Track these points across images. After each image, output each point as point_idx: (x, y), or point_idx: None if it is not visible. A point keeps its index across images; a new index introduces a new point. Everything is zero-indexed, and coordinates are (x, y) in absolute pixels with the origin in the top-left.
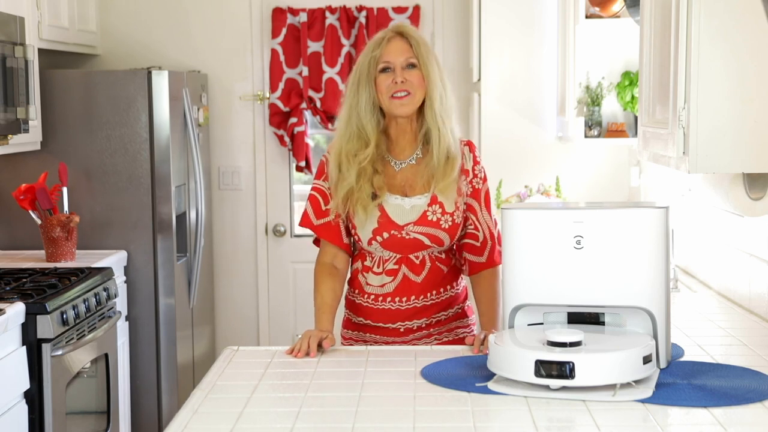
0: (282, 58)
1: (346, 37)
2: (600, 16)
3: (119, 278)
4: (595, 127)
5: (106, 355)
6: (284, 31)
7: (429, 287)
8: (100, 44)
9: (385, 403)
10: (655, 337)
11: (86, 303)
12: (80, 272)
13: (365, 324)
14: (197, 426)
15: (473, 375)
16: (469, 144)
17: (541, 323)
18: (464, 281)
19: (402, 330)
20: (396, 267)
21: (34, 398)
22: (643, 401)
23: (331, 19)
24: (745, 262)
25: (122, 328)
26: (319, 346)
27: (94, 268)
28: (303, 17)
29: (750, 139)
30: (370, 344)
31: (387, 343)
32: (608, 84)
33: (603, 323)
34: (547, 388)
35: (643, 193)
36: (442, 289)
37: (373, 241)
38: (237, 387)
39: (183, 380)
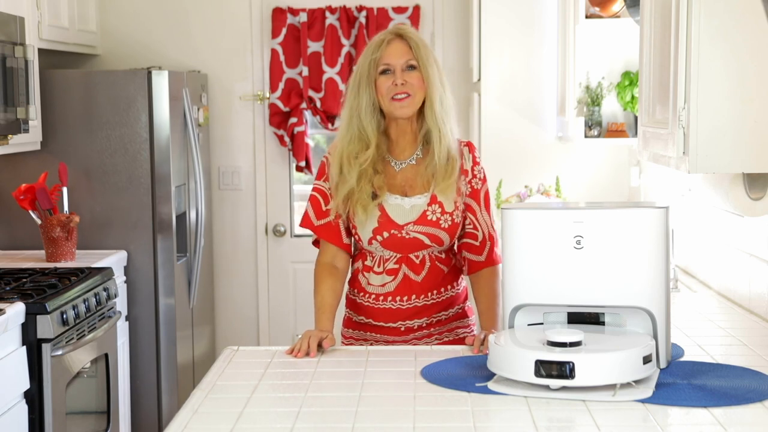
0: (282, 58)
1: (346, 37)
2: (600, 16)
3: (119, 278)
4: (595, 127)
5: (106, 355)
6: (284, 31)
7: (429, 287)
8: (100, 44)
9: (385, 403)
10: (655, 337)
11: (86, 303)
12: (80, 272)
13: (366, 323)
14: (197, 426)
15: (473, 375)
16: (469, 145)
17: (541, 323)
18: (464, 282)
19: (402, 329)
20: (396, 266)
21: (34, 398)
22: (643, 401)
23: (331, 19)
24: (745, 262)
25: (122, 328)
26: (319, 346)
27: (94, 268)
28: (303, 17)
29: (750, 139)
30: (371, 343)
31: (387, 342)
32: (608, 84)
33: (603, 323)
34: (547, 388)
35: (643, 193)
36: (442, 289)
37: (374, 241)
38: (237, 387)
39: (183, 380)
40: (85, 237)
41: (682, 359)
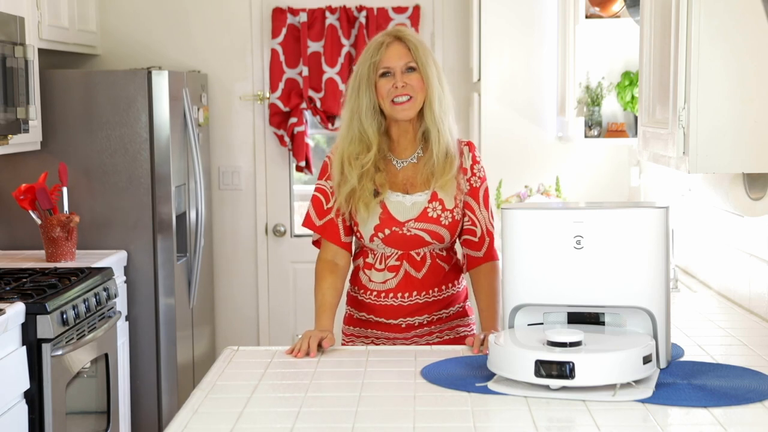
0: (282, 58)
1: (346, 37)
2: (600, 16)
3: (119, 278)
4: (595, 127)
5: (106, 355)
6: (284, 31)
7: (430, 284)
8: (100, 44)
9: (385, 403)
10: (655, 337)
11: (86, 303)
12: (80, 272)
13: (367, 320)
14: (197, 426)
15: (473, 375)
16: (469, 144)
17: (541, 323)
18: (465, 281)
19: (403, 326)
20: (398, 263)
21: (34, 398)
22: (643, 401)
23: (331, 19)
24: (745, 262)
25: (122, 328)
26: (319, 345)
27: (94, 268)
28: (303, 17)
29: (750, 139)
30: (372, 340)
31: (388, 339)
32: (608, 84)
33: (603, 323)
34: (547, 388)
35: (643, 193)
36: (443, 287)
37: (375, 238)
38: (237, 387)
39: (183, 380)
40: (85, 237)
41: (682, 359)
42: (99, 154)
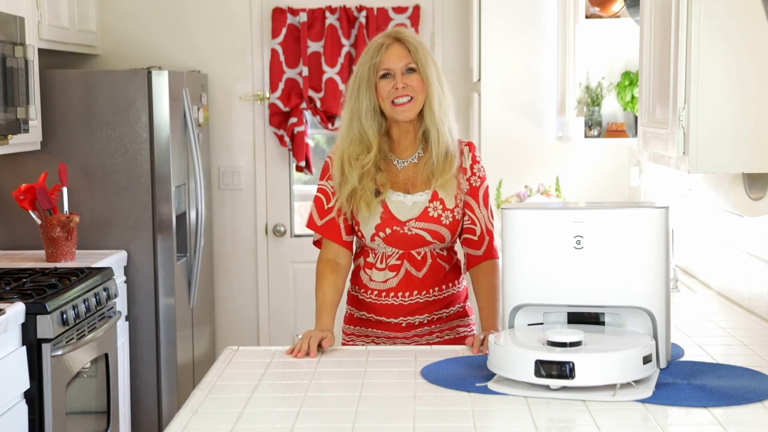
0: (282, 58)
1: (346, 37)
2: (600, 16)
3: (119, 278)
4: (595, 127)
5: (106, 355)
6: (284, 31)
7: (431, 283)
8: (100, 44)
9: (385, 403)
10: (655, 337)
11: (86, 303)
12: (80, 272)
13: (368, 318)
14: (197, 426)
15: (473, 375)
16: (470, 144)
17: (541, 323)
18: (465, 281)
19: (404, 325)
20: (398, 263)
21: (34, 398)
22: (643, 401)
23: (331, 19)
24: (745, 262)
25: (122, 328)
26: (319, 346)
27: (94, 268)
28: (303, 17)
29: (750, 139)
30: (372, 339)
31: (388, 338)
32: (608, 84)
33: (603, 323)
34: (547, 388)
35: (643, 193)
36: (444, 286)
37: (376, 237)
38: (237, 387)
39: (183, 380)
40: (85, 237)
41: (682, 359)
42: (99, 154)
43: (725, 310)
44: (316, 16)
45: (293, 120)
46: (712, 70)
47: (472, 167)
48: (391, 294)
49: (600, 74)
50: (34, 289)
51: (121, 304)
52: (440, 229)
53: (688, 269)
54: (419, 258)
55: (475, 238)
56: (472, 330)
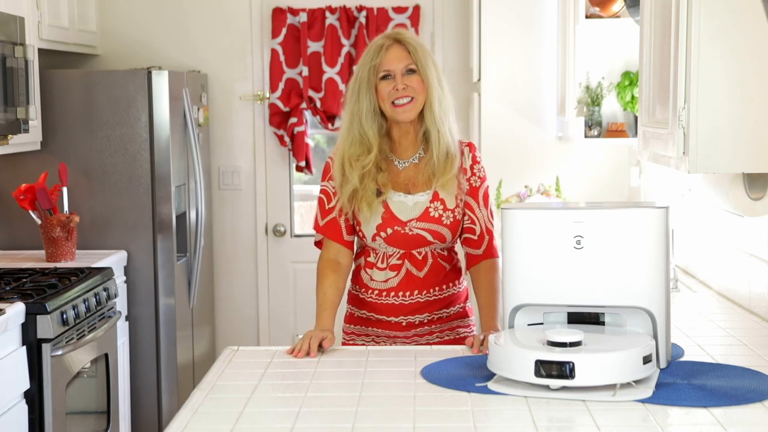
0: (282, 58)
1: (346, 37)
2: (600, 16)
3: (119, 278)
4: (595, 127)
5: (106, 355)
6: (284, 31)
7: (431, 283)
8: (100, 44)
9: (385, 403)
10: (655, 337)
11: (86, 303)
12: (80, 272)
13: (368, 317)
14: (197, 426)
15: (473, 375)
16: (470, 145)
17: (541, 323)
18: (466, 282)
19: (404, 324)
20: (399, 262)
21: (34, 398)
22: (643, 401)
23: (331, 19)
24: (745, 262)
25: (122, 328)
26: (320, 346)
27: (94, 268)
28: (303, 17)
29: (750, 139)
30: (372, 339)
31: (389, 337)
32: (608, 84)
33: (603, 323)
34: (547, 388)
35: (643, 193)
36: (444, 286)
37: (377, 237)
38: (237, 387)
39: (183, 380)
40: (85, 237)
41: (682, 359)
42: (99, 154)
43: (725, 310)
44: (316, 16)
45: (293, 120)
46: (712, 70)
47: (472, 167)
48: (392, 293)
49: (600, 74)
50: (34, 289)
51: (121, 304)
52: (441, 229)
53: (688, 269)
54: (420, 258)
55: (475, 238)
56: (473, 331)
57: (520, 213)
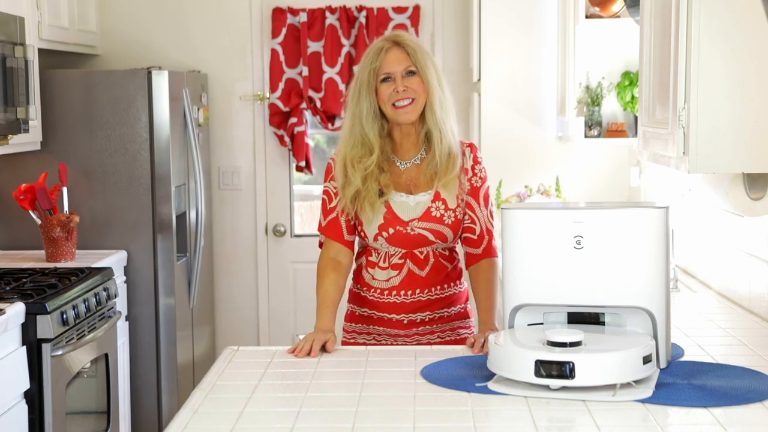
0: (282, 58)
1: (346, 37)
2: (600, 16)
3: (119, 278)
4: (595, 127)
5: (106, 355)
6: (284, 31)
7: (433, 282)
8: (100, 44)
9: (385, 403)
10: (655, 337)
11: (86, 303)
12: (80, 272)
13: (369, 315)
14: (197, 426)
15: (473, 375)
16: (471, 146)
17: (541, 323)
18: (466, 283)
19: (405, 322)
20: (401, 261)
21: (34, 398)
22: (643, 401)
23: (331, 19)
24: (745, 262)
25: (122, 328)
26: (323, 347)
27: (94, 268)
28: (303, 17)
29: (750, 139)
30: (373, 337)
31: (390, 336)
32: (608, 84)
33: (603, 323)
34: (547, 388)
35: (643, 193)
36: (445, 285)
37: (379, 237)
38: (237, 387)
39: (183, 380)
40: (85, 237)
41: (682, 359)
42: (99, 154)
43: (725, 310)
44: (316, 16)
45: (293, 120)
46: (712, 70)
47: (473, 168)
48: (394, 292)
49: (600, 74)
50: (34, 289)
51: (121, 304)
52: (442, 229)
53: (688, 269)
54: (422, 257)
55: (475, 237)
56: (473, 332)
57: (520, 213)
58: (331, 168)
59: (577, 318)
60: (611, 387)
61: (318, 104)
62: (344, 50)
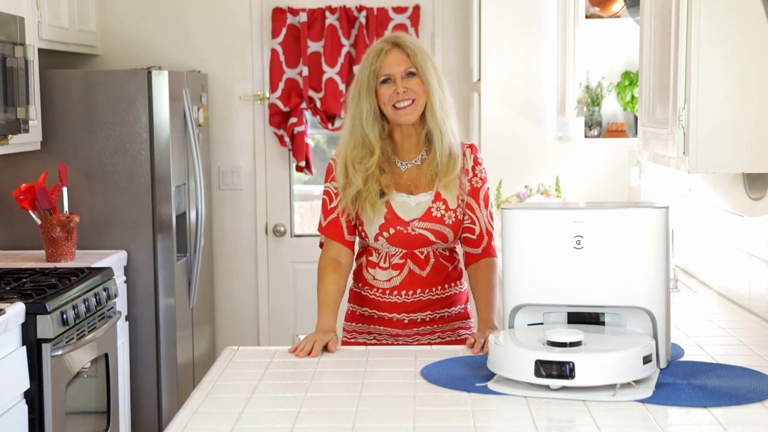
0: (282, 58)
1: (346, 37)
2: (600, 16)
3: (119, 278)
4: (595, 127)
5: (106, 355)
6: (284, 31)
7: (434, 282)
8: (100, 44)
9: (385, 403)
10: (655, 337)
11: (86, 303)
12: (80, 272)
13: (370, 315)
14: (197, 426)
15: (473, 375)
16: (472, 146)
17: (541, 323)
18: (466, 284)
19: (406, 321)
20: (402, 261)
21: (34, 398)
22: (643, 401)
23: (331, 19)
24: (745, 262)
25: (122, 328)
26: (325, 348)
27: (94, 268)
28: (303, 17)
29: (750, 139)
30: (374, 336)
31: (390, 335)
32: (608, 84)
33: (603, 323)
34: (547, 388)
35: (643, 193)
36: (446, 285)
37: (380, 237)
38: (237, 387)
39: (183, 380)
40: (85, 237)
41: (682, 359)
42: (99, 154)
43: (725, 310)
44: (316, 16)
45: (293, 120)
46: (712, 70)
47: (473, 168)
48: (395, 292)
49: (600, 74)
50: (34, 289)
51: (121, 304)
52: (443, 229)
53: (688, 269)
54: (422, 257)
55: (474, 237)
56: (473, 333)
57: (520, 213)
58: (331, 168)
59: (577, 318)
60: (611, 387)
61: (318, 104)
62: (344, 50)
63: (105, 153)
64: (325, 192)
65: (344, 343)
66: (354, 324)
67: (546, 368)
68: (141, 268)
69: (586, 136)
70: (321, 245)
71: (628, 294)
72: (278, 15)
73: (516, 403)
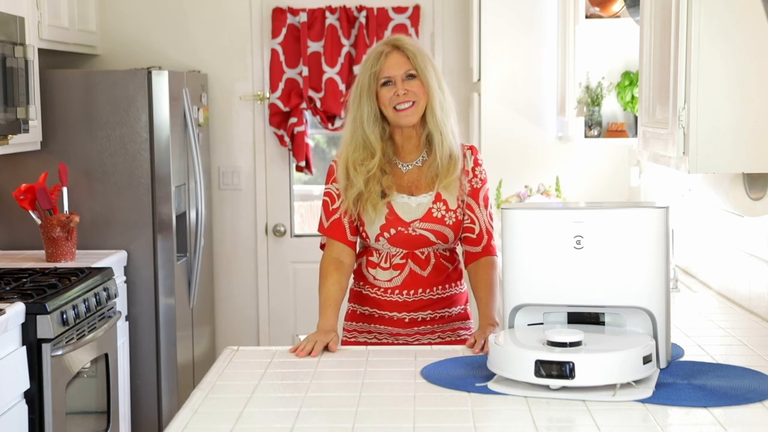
0: (282, 58)
1: (346, 37)
2: (600, 16)
3: (119, 278)
4: (595, 127)
5: (106, 355)
6: (284, 31)
7: (435, 282)
8: (100, 44)
9: (385, 403)
10: (655, 337)
11: (86, 303)
12: (80, 272)
13: (370, 314)
14: (197, 426)
15: (473, 375)
16: (472, 148)
17: (541, 323)
18: (466, 285)
19: (407, 320)
20: (402, 262)
21: (34, 398)
22: (643, 401)
23: (331, 19)
24: (745, 262)
25: (122, 328)
26: (326, 348)
27: (94, 268)
28: (303, 17)
29: (750, 139)
30: (374, 336)
31: (391, 334)
32: (608, 84)
33: (603, 323)
34: (547, 388)
35: (643, 193)
36: (447, 285)
37: (381, 238)
38: (237, 387)
39: (183, 380)
40: (85, 237)
41: (682, 359)
42: (99, 154)
43: (725, 310)
44: (316, 16)
45: (293, 120)
46: (712, 70)
47: (474, 169)
48: (396, 291)
49: (600, 74)
50: (34, 289)
51: (121, 304)
52: (444, 230)
53: (688, 269)
54: (423, 258)
55: (474, 237)
56: (473, 332)
57: (520, 213)
58: (333, 170)
59: (577, 318)
60: (611, 387)
61: (318, 104)
62: (344, 50)
63: (105, 153)
64: (327, 193)
65: (345, 342)
66: (355, 323)
67: (546, 368)
68: (141, 268)
69: (586, 136)
70: (322, 247)
71: (628, 294)
72: (278, 15)
73: (516, 403)
